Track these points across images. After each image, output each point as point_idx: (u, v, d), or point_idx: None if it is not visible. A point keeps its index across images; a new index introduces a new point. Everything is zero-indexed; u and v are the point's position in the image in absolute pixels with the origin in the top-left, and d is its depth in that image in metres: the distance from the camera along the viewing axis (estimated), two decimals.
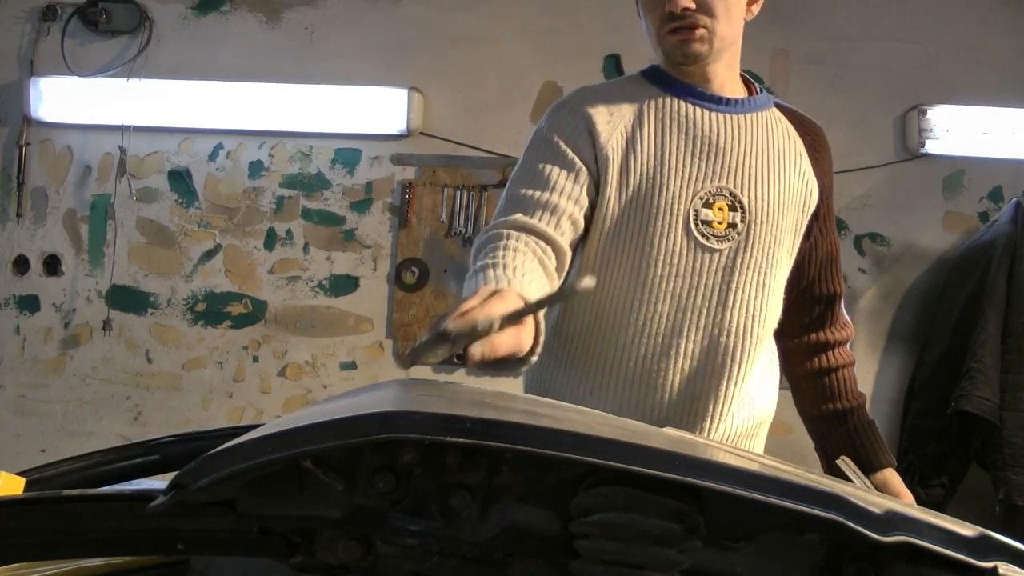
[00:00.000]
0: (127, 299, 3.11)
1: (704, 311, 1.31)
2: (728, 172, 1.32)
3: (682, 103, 1.35)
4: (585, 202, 1.31)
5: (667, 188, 1.30)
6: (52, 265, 3.12)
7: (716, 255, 1.31)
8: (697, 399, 1.32)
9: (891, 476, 1.41)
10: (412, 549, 0.55)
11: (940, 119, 3.01)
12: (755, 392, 1.38)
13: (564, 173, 1.30)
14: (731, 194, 1.32)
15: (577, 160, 1.31)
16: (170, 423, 3.03)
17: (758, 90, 1.44)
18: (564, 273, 1.29)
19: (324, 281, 3.09)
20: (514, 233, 1.23)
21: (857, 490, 0.55)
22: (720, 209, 1.31)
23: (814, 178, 1.39)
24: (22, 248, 3.13)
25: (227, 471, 0.53)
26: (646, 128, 1.33)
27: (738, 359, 1.32)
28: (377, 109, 3.08)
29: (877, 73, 3.09)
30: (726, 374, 1.32)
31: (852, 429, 1.46)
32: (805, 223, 1.39)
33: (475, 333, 0.83)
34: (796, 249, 1.39)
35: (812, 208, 1.39)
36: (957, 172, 3.06)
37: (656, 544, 0.53)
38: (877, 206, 3.07)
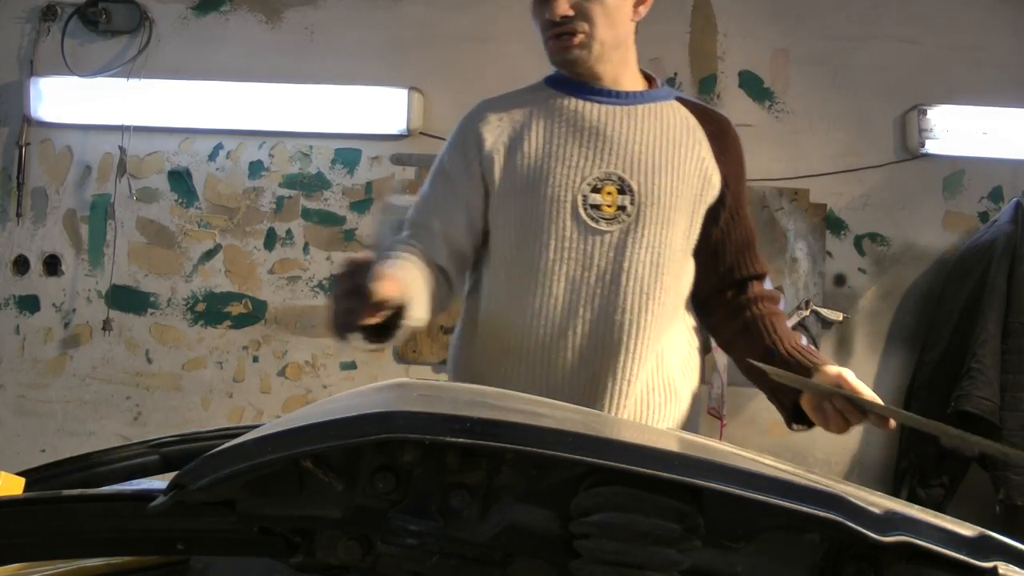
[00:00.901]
0: (127, 299, 3.11)
1: (597, 291, 1.36)
2: (616, 158, 1.38)
3: (572, 100, 1.42)
4: (476, 216, 1.42)
5: (554, 176, 1.37)
6: (52, 265, 3.12)
7: (606, 236, 1.36)
8: (596, 376, 1.36)
9: (836, 368, 1.28)
10: (412, 549, 0.55)
11: (940, 119, 3.01)
12: (663, 369, 1.41)
13: (456, 196, 1.42)
14: (619, 179, 1.38)
15: (461, 179, 1.42)
16: (170, 423, 3.02)
17: (659, 84, 1.49)
18: (453, 282, 1.42)
19: (324, 281, 3.09)
20: (410, 252, 1.36)
21: (857, 490, 0.56)
22: (609, 193, 1.37)
23: (715, 165, 1.43)
24: (22, 248, 3.13)
25: (227, 471, 0.53)
26: (534, 126, 1.41)
27: (634, 336, 1.35)
28: (377, 109, 3.08)
29: (877, 73, 3.09)
30: (623, 351, 1.35)
31: (787, 356, 1.38)
32: (704, 207, 1.42)
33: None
34: (695, 232, 1.42)
35: (713, 194, 1.43)
36: (957, 172, 3.07)
37: (656, 544, 0.53)
38: (877, 206, 3.07)
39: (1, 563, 0.67)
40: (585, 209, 1.37)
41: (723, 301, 1.47)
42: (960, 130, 3.01)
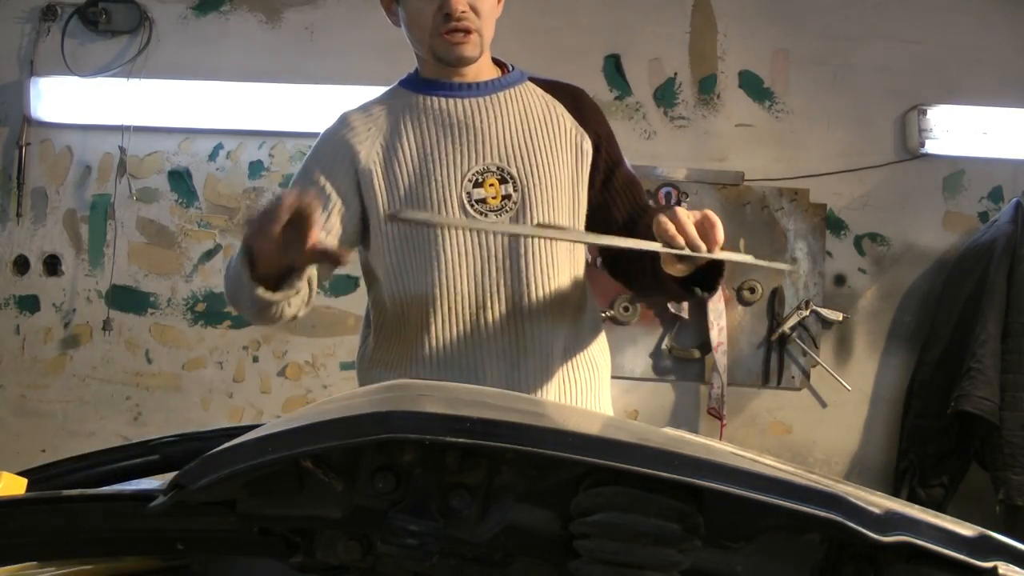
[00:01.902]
0: (127, 299, 3.11)
1: (501, 280, 1.38)
2: (491, 149, 1.41)
3: (436, 99, 1.44)
4: (337, 229, 1.42)
5: (435, 179, 1.40)
6: (52, 265, 3.12)
7: (499, 226, 1.39)
8: (517, 363, 1.38)
9: (661, 217, 1.20)
10: (412, 549, 0.55)
11: (940, 119, 3.00)
12: (579, 344, 1.45)
13: (324, 209, 1.40)
14: (499, 168, 1.40)
15: (332, 191, 1.42)
16: (170, 423, 3.02)
17: (510, 68, 1.51)
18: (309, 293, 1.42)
19: (324, 281, 3.09)
20: None
21: (857, 490, 0.56)
22: (491, 185, 1.40)
23: (582, 132, 1.46)
24: (22, 248, 3.13)
25: (227, 471, 0.53)
26: (405, 132, 1.43)
27: (545, 316, 1.39)
28: None
29: (877, 73, 3.09)
30: (537, 333, 1.38)
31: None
32: (585, 176, 1.45)
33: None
34: (582, 204, 1.45)
35: (588, 160, 1.46)
36: (957, 172, 3.06)
37: (656, 544, 0.53)
38: (877, 206, 3.07)
39: (1, 563, 0.67)
40: (472, 205, 1.39)
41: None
42: (960, 130, 3.01)
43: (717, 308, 2.89)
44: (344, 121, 1.49)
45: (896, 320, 3.03)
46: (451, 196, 1.39)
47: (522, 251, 1.38)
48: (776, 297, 2.94)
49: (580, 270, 1.47)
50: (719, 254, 1.17)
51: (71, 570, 0.87)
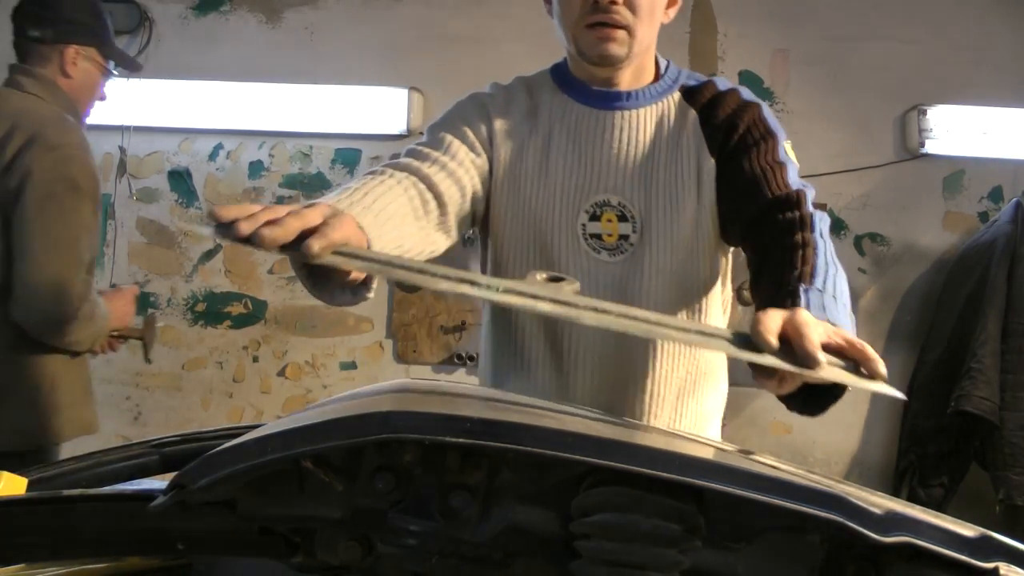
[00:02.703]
0: None
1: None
2: (616, 179, 1.24)
3: (572, 102, 1.28)
4: (476, 183, 1.23)
5: (555, 197, 1.25)
6: None
7: (611, 267, 1.24)
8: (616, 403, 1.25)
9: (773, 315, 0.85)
10: (412, 549, 0.55)
11: (940, 119, 3.01)
12: (698, 364, 1.29)
13: (465, 149, 1.23)
14: (619, 204, 1.24)
15: (478, 146, 1.25)
16: (170, 423, 3.02)
17: (663, 70, 1.31)
18: (448, 228, 1.17)
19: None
20: (395, 172, 1.12)
21: (858, 490, 0.55)
22: (609, 221, 1.24)
23: (705, 150, 1.24)
24: None
25: (227, 471, 0.53)
26: (536, 132, 1.28)
27: (656, 366, 1.24)
28: (377, 109, 3.07)
29: (877, 73, 3.09)
30: (643, 380, 1.25)
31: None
32: (710, 199, 1.23)
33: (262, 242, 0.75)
34: (707, 232, 1.25)
35: (711, 179, 1.23)
36: (957, 172, 3.07)
37: (656, 545, 0.52)
38: (877, 206, 3.07)
39: (1, 563, 0.67)
40: (586, 239, 1.24)
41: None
42: (960, 130, 3.01)
43: None
44: (495, 91, 1.34)
45: (896, 320, 3.03)
46: (564, 222, 1.24)
47: (637, 295, 1.22)
48: None
49: (707, 310, 1.28)
50: (821, 373, 0.78)
51: (71, 570, 0.87)
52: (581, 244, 1.24)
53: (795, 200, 1.12)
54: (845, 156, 3.07)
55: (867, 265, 3.05)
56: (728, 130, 1.23)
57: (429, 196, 1.14)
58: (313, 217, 0.80)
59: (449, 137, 1.24)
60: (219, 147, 3.14)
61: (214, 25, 3.16)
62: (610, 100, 1.27)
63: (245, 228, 0.75)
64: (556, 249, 1.25)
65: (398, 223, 1.03)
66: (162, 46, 3.14)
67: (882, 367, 0.81)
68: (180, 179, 3.13)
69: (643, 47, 1.24)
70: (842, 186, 3.06)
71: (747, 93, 1.28)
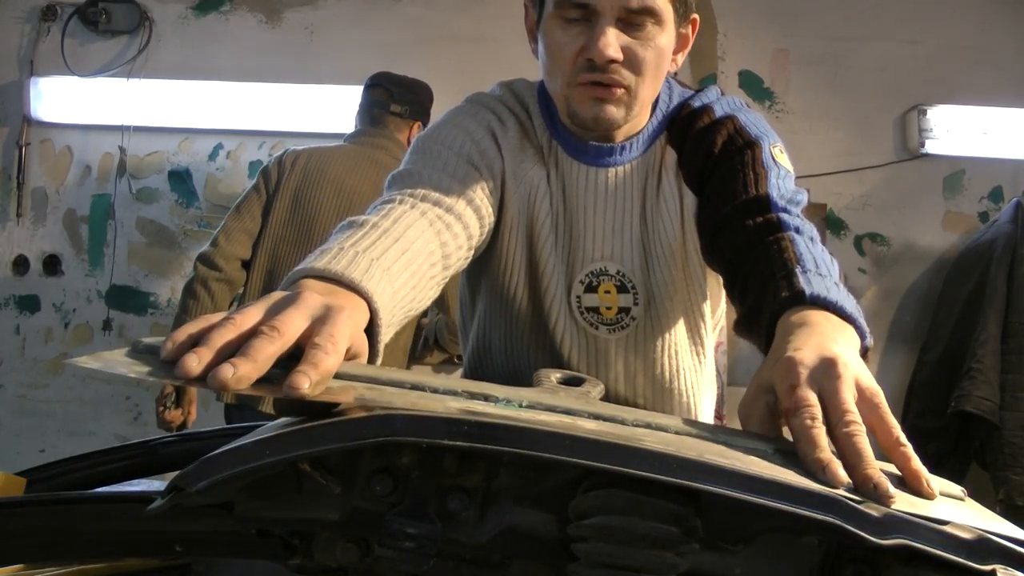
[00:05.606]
0: (127, 299, 3.11)
1: (609, 393, 1.10)
2: (610, 245, 1.10)
3: (561, 152, 1.11)
4: (480, 240, 1.06)
5: (546, 266, 1.10)
6: (52, 265, 3.12)
7: (611, 342, 1.12)
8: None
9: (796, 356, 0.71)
10: (410, 552, 0.55)
11: (940, 119, 3.01)
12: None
13: (477, 175, 1.06)
14: (618, 274, 1.10)
15: (487, 200, 1.07)
16: None
17: (653, 107, 1.12)
18: (444, 280, 0.97)
19: None
20: (416, 202, 0.95)
21: (857, 492, 0.55)
22: (607, 292, 1.10)
23: (684, 189, 1.10)
24: (22, 248, 3.13)
25: (225, 474, 0.53)
26: (530, 183, 1.10)
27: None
28: None
29: (877, 73, 3.09)
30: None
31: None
32: (695, 240, 1.09)
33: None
34: (697, 281, 1.13)
35: (693, 216, 1.09)
36: (957, 172, 3.07)
37: (654, 547, 0.52)
38: (877, 206, 3.07)
39: (0, 564, 0.67)
40: (582, 313, 1.11)
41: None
42: (960, 130, 3.01)
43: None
44: (503, 120, 1.14)
45: (896, 320, 3.03)
46: (558, 294, 1.10)
47: (635, 377, 1.15)
48: None
49: (707, 345, 1.19)
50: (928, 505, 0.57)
51: (70, 570, 0.87)
52: (578, 319, 1.11)
53: (764, 203, 1.00)
54: (845, 156, 3.07)
55: (867, 265, 3.05)
56: (705, 156, 1.08)
57: (456, 228, 0.99)
58: (293, 329, 0.59)
59: (464, 166, 1.06)
60: (219, 147, 3.14)
61: (214, 25, 3.17)
62: (602, 156, 1.10)
63: (193, 368, 0.54)
64: (552, 320, 1.12)
65: (412, 278, 0.85)
66: (162, 46, 3.15)
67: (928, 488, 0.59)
68: (180, 179, 3.14)
69: (644, 104, 1.06)
70: (842, 186, 3.06)
71: (723, 107, 1.11)
